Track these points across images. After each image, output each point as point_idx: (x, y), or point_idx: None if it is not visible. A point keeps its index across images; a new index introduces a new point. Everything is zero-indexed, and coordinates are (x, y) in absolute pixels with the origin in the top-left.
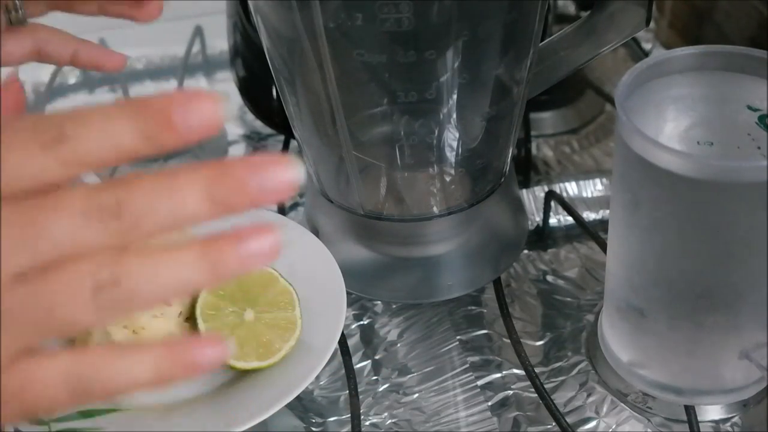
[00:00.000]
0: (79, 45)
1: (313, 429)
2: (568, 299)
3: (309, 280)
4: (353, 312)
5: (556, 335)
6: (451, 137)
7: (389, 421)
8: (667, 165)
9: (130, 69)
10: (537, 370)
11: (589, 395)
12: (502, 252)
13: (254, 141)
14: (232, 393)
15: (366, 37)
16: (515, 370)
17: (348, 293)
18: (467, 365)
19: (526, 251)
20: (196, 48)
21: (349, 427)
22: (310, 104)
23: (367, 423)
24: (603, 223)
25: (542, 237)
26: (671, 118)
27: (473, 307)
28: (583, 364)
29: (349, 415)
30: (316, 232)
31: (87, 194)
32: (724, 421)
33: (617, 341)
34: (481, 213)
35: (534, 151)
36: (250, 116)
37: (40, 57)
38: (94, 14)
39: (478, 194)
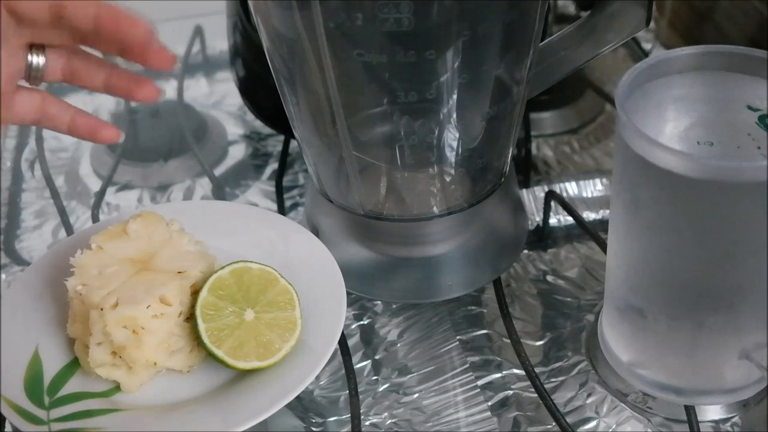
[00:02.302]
0: (76, 113)
1: (313, 429)
2: (568, 299)
3: (309, 280)
4: (353, 312)
5: (556, 335)
6: (451, 137)
7: (389, 421)
8: (667, 165)
9: (130, 69)
10: (537, 370)
11: (589, 395)
12: (502, 252)
13: (254, 141)
14: (232, 393)
15: (366, 37)
16: (515, 370)
17: (348, 293)
18: (467, 365)
19: (526, 251)
20: (196, 48)
21: (349, 427)
22: (310, 104)
23: (367, 423)
24: (603, 223)
25: (542, 237)
26: (671, 118)
27: (473, 307)
28: (583, 364)
29: (349, 415)
30: (316, 232)
31: None
32: (724, 421)
33: (617, 341)
34: (481, 213)
35: (534, 151)
36: (250, 116)
37: (42, 120)
38: (99, 91)
39: (478, 194)
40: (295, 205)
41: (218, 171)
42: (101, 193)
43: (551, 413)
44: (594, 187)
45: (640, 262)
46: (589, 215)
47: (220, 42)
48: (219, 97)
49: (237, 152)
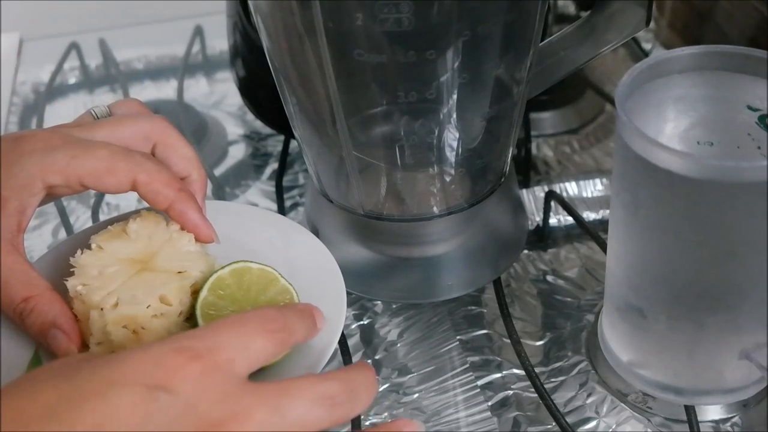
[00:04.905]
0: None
1: None
2: (568, 299)
3: (309, 280)
4: (353, 312)
5: (556, 335)
6: (451, 137)
7: (389, 421)
8: (667, 165)
9: (130, 69)
10: (537, 370)
11: (589, 395)
12: (502, 252)
13: (254, 141)
14: None
15: (366, 37)
16: (515, 370)
17: (348, 293)
18: (467, 365)
19: (526, 251)
20: (196, 48)
21: (349, 427)
22: (310, 104)
23: (367, 423)
24: (603, 223)
25: (542, 237)
26: (671, 118)
27: (473, 307)
28: (583, 364)
29: None
30: (316, 232)
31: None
32: (724, 421)
33: (617, 341)
34: (481, 213)
35: (534, 151)
36: (250, 116)
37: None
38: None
39: (478, 194)
40: (295, 205)
41: (218, 171)
42: (101, 193)
43: (551, 413)
44: (594, 187)
45: (640, 262)
46: (589, 215)
47: (220, 42)
48: (219, 97)
49: (237, 152)
